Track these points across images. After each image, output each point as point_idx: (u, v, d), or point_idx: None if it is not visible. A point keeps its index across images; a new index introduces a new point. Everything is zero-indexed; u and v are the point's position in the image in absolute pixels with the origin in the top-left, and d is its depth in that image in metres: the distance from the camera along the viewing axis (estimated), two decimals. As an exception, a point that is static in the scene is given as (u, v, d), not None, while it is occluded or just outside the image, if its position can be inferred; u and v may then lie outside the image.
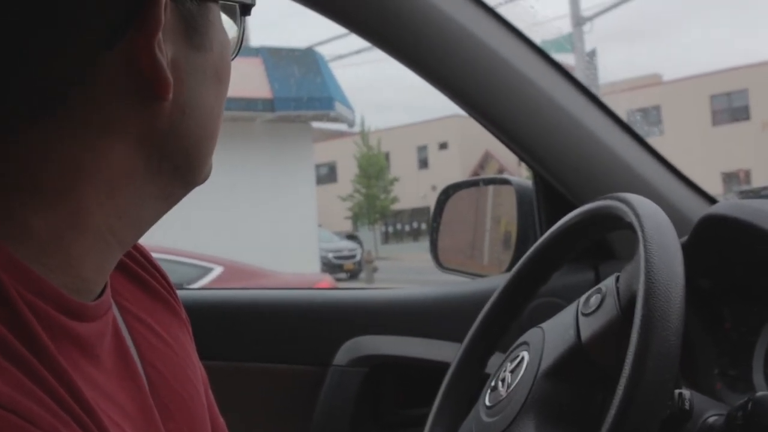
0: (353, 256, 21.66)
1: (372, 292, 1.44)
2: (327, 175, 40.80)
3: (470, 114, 1.24)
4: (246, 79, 11.44)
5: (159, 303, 0.73)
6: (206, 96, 0.59)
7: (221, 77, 0.60)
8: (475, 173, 34.89)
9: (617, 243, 1.27)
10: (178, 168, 0.59)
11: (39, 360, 0.48)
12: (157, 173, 0.57)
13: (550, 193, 1.28)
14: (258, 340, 1.30)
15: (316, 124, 14.75)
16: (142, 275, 0.72)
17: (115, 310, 0.64)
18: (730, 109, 28.02)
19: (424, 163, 39.05)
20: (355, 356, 1.27)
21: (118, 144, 0.54)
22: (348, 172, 36.07)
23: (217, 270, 6.00)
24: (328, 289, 1.37)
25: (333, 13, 1.15)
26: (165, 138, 0.56)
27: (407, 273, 15.54)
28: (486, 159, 35.99)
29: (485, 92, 1.20)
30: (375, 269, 19.99)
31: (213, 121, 0.60)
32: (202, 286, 5.45)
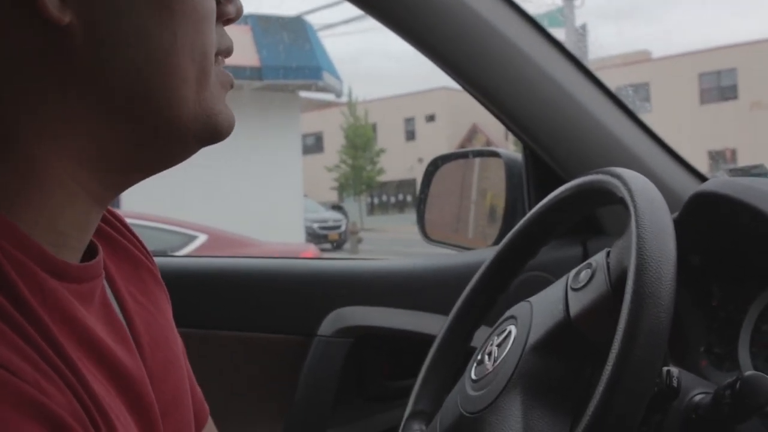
0: (338, 227, 21.71)
1: (358, 262, 1.43)
2: (314, 145, 40.68)
3: (460, 84, 1.22)
4: (234, 47, 11.31)
5: (142, 270, 0.72)
6: (143, 26, 0.54)
7: (169, 4, 0.54)
8: (462, 146, 34.88)
9: (606, 218, 1.27)
10: (129, 109, 0.55)
11: (22, 314, 0.48)
12: (103, 115, 0.54)
13: (540, 166, 1.27)
14: (241, 308, 1.28)
15: (303, 94, 14.67)
16: (123, 243, 0.71)
17: (105, 282, 0.63)
18: (719, 87, 28.06)
19: (411, 135, 38.99)
20: (340, 327, 1.26)
21: (38, 85, 0.52)
22: (335, 142, 35.98)
23: (202, 238, 5.99)
24: (313, 258, 1.35)
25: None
26: (93, 76, 0.53)
27: (392, 244, 15.58)
28: (473, 132, 35.97)
29: (476, 63, 1.19)
30: (360, 240, 20.03)
31: (166, 56, 0.55)
32: (186, 254, 5.44)
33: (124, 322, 0.63)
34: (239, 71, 11.92)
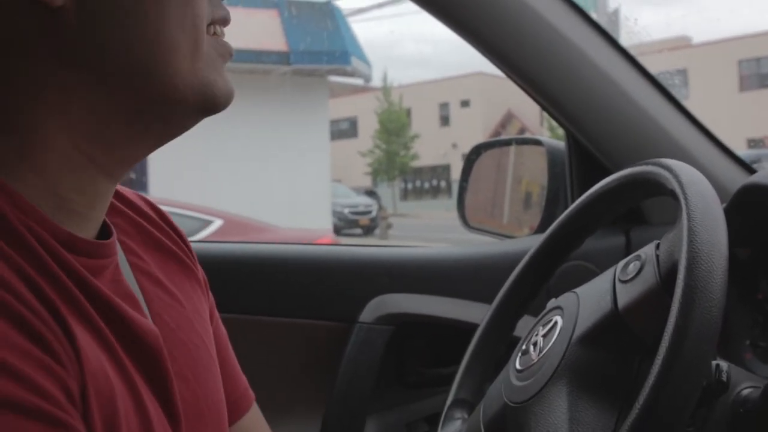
0: (369, 212, 21.75)
1: (401, 250, 1.43)
2: (348, 130, 40.68)
3: (504, 71, 1.22)
4: (261, 31, 11.32)
5: (172, 260, 0.73)
6: (132, 2, 0.55)
7: None
8: (497, 132, 34.70)
9: (649, 208, 1.25)
10: (125, 83, 0.56)
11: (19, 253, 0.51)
12: (100, 89, 0.56)
13: (583, 155, 1.26)
14: (283, 295, 1.29)
15: (337, 79, 14.62)
16: (155, 233, 0.73)
17: (124, 263, 0.65)
18: (759, 74, 27.54)
19: (445, 121, 38.80)
20: (382, 314, 1.26)
21: (34, 62, 0.54)
22: (369, 127, 35.92)
23: (217, 223, 5.99)
24: (355, 246, 1.35)
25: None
26: (87, 53, 0.55)
27: (422, 230, 15.52)
28: (508, 118, 35.72)
29: (520, 48, 1.18)
30: (389, 226, 20.04)
31: (157, 30, 0.56)
32: (204, 239, 5.45)
33: (140, 298, 0.64)
34: (267, 56, 11.92)
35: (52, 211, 0.55)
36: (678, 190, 0.70)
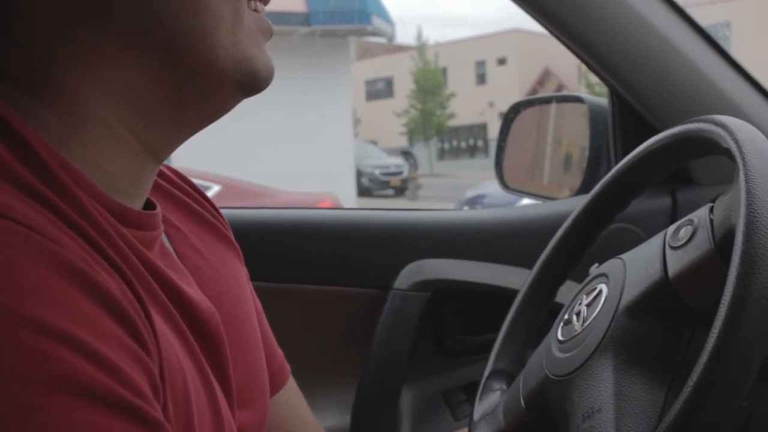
0: (400, 173, 21.86)
1: (436, 213, 1.39)
2: (383, 90, 40.61)
3: (545, 26, 1.16)
4: (280, -8, 11.18)
5: (210, 232, 0.72)
6: None
7: None
8: (534, 90, 34.36)
9: (697, 167, 1.20)
10: (167, 51, 0.55)
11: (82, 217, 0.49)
12: (142, 56, 0.54)
13: (627, 112, 1.20)
14: (315, 261, 1.26)
15: (370, 39, 14.49)
16: (192, 204, 0.72)
17: (164, 238, 0.63)
18: (805, 26, 26.78)
19: (482, 79, 38.50)
20: (417, 280, 1.22)
21: (76, 28, 0.53)
22: (405, 87, 35.79)
23: (215, 188, 5.95)
24: (389, 210, 1.32)
25: None
26: (128, 18, 0.54)
27: (454, 191, 15.37)
28: (545, 75, 35.33)
29: (562, 3, 1.12)
30: (419, 187, 20.05)
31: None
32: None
33: (185, 269, 0.63)
34: (286, 17, 11.81)
35: (103, 188, 0.54)
36: (734, 149, 0.65)
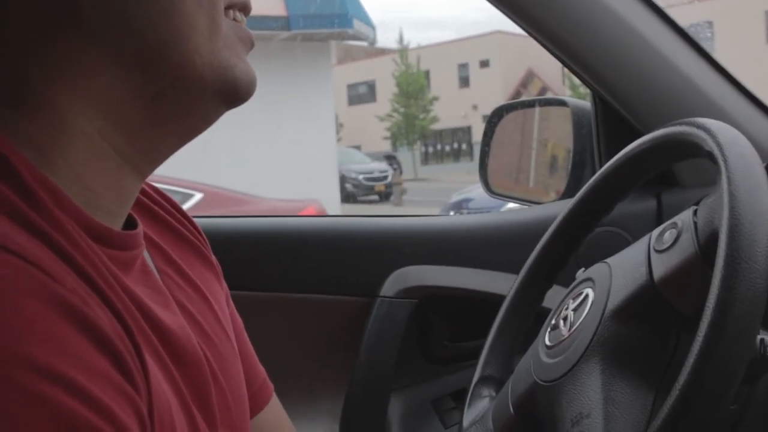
0: (384, 178, 21.82)
1: (422, 219, 1.38)
2: (366, 94, 40.57)
3: (525, 29, 1.16)
4: (260, -4, 11.11)
5: (190, 250, 0.71)
6: None
7: None
8: (517, 92, 34.45)
9: (681, 169, 1.20)
10: (143, 59, 0.54)
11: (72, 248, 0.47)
12: (118, 66, 0.54)
13: (611, 116, 1.20)
14: (300, 269, 1.25)
15: (351, 43, 14.47)
16: (171, 222, 0.71)
17: (146, 254, 0.62)
18: (785, 25, 27.00)
19: (465, 82, 38.54)
20: (403, 287, 1.22)
21: (52, 38, 0.52)
22: (388, 91, 35.78)
23: (197, 196, 5.90)
24: (373, 216, 1.32)
25: None
26: (103, 27, 0.53)
27: (439, 195, 15.37)
28: (529, 77, 35.43)
29: (542, 5, 1.12)
30: (404, 191, 20.04)
31: (173, 4, 0.54)
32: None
33: (165, 289, 0.62)
34: (265, 21, 11.72)
35: (84, 205, 0.53)
36: (717, 152, 0.65)
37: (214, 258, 0.75)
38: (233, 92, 0.58)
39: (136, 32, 0.53)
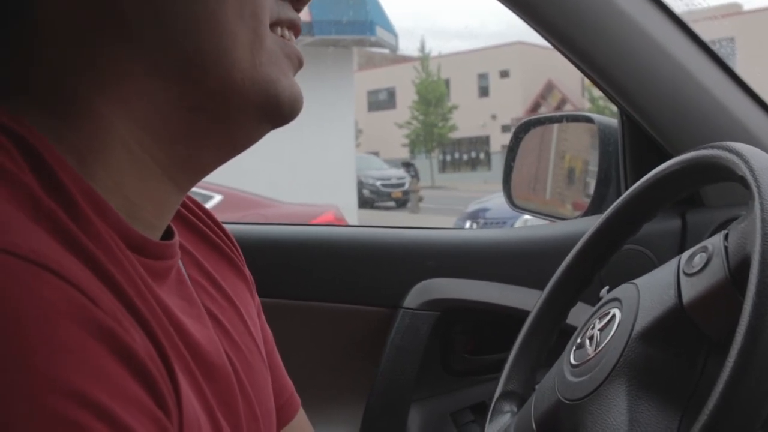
0: (401, 185, 21.81)
1: (447, 232, 1.39)
2: (386, 100, 40.60)
3: (554, 45, 1.16)
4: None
5: (224, 261, 0.71)
6: None
7: None
8: (537, 103, 34.37)
9: (707, 190, 1.20)
10: (183, 70, 0.53)
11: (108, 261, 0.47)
12: (158, 76, 0.53)
13: (638, 134, 1.21)
14: (325, 279, 1.26)
15: (373, 49, 14.50)
16: (207, 233, 0.71)
17: (181, 264, 0.62)
18: (808, 43, 26.78)
19: (484, 91, 38.50)
20: (427, 299, 1.22)
21: (93, 47, 0.52)
22: (408, 98, 35.79)
23: (217, 198, 5.88)
24: (399, 228, 1.31)
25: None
26: (144, 37, 0.52)
27: (457, 203, 15.31)
28: (548, 89, 35.34)
29: (571, 21, 1.12)
30: (420, 199, 20.02)
31: (214, 15, 0.53)
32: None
33: (198, 300, 0.62)
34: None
35: (124, 216, 0.52)
36: (749, 177, 0.65)
37: (247, 271, 0.75)
38: (275, 109, 0.57)
39: (176, 42, 0.53)
